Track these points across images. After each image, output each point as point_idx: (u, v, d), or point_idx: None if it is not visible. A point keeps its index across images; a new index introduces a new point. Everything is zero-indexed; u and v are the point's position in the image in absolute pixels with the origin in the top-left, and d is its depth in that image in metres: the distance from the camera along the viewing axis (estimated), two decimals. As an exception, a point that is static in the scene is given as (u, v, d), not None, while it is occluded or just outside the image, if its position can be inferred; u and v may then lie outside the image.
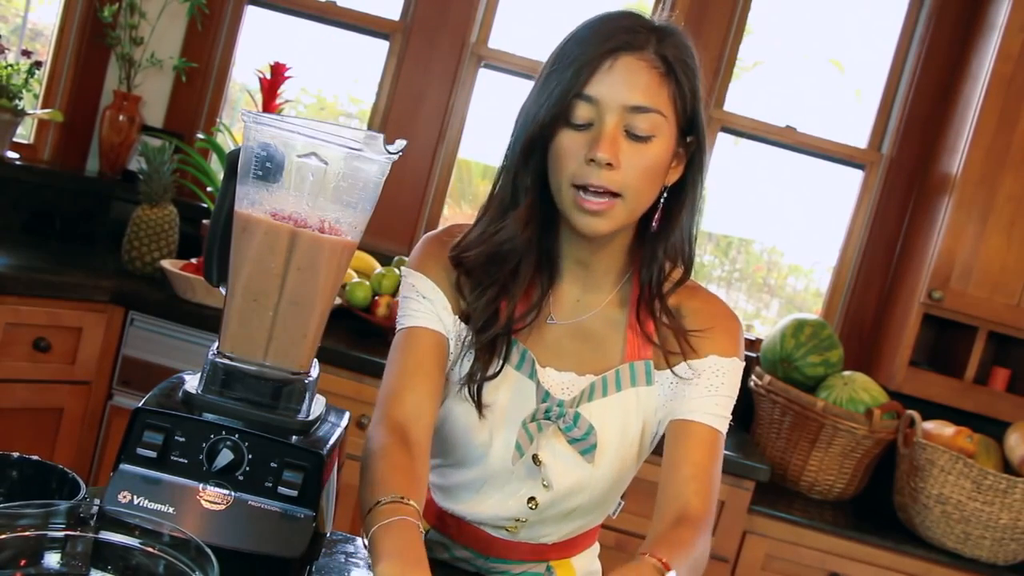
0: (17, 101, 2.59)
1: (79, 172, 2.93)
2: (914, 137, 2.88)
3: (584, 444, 1.11)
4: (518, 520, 1.17)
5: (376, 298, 2.55)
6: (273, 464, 0.86)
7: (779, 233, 3.16)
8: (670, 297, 1.13)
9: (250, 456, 0.86)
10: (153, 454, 0.86)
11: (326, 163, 0.88)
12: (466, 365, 1.13)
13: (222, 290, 0.94)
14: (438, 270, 1.14)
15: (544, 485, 1.13)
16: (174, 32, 2.94)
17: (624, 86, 1.01)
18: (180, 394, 0.90)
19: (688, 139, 1.08)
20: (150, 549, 0.69)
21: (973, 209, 2.52)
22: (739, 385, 1.14)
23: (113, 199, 2.88)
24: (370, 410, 2.30)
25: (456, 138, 2.97)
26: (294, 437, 0.89)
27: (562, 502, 1.15)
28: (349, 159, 0.89)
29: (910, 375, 2.59)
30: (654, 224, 1.12)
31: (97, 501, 0.72)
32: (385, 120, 2.95)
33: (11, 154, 2.69)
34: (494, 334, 1.10)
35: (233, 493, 0.86)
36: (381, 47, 3.00)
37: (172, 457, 0.86)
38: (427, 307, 1.13)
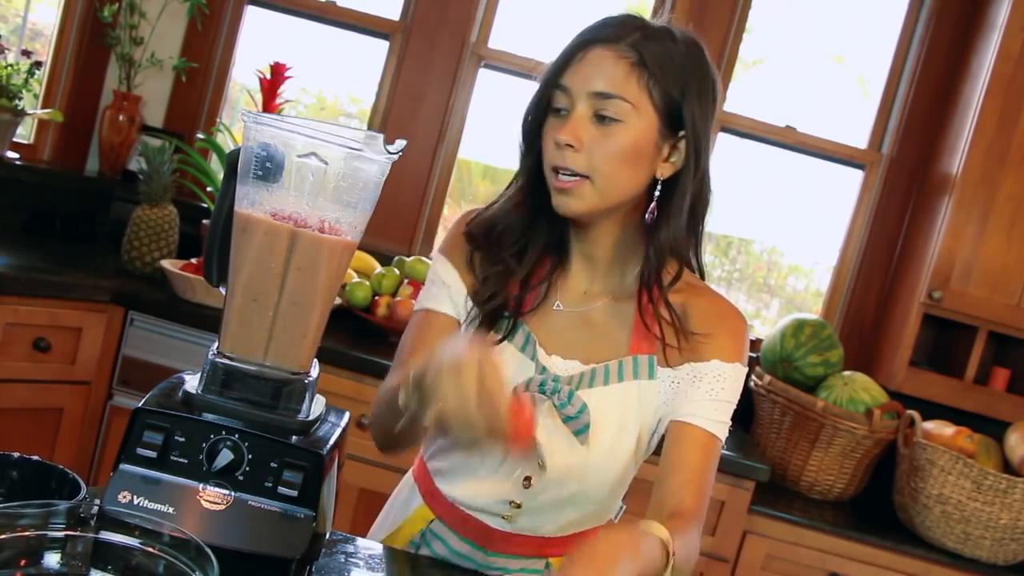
0: (17, 101, 2.58)
1: (79, 172, 2.94)
2: (914, 137, 2.88)
3: (577, 423, 1.12)
4: (513, 503, 1.17)
5: (376, 298, 2.55)
6: (273, 464, 0.86)
7: (779, 233, 3.16)
8: (675, 294, 1.15)
9: (250, 456, 0.86)
10: (153, 454, 0.86)
11: (326, 163, 0.88)
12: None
13: (222, 290, 0.94)
14: (458, 252, 1.21)
15: (540, 465, 1.15)
16: (174, 32, 2.94)
17: (592, 74, 1.08)
18: (180, 394, 0.90)
19: (680, 134, 1.11)
20: (150, 549, 0.69)
21: (973, 209, 2.52)
22: (741, 390, 1.16)
23: (113, 199, 2.88)
24: (370, 410, 2.30)
25: (456, 138, 2.97)
26: (294, 437, 0.89)
27: (557, 486, 1.16)
28: (349, 159, 0.89)
29: (910, 375, 2.59)
30: (647, 217, 1.15)
31: (97, 501, 0.72)
32: (385, 120, 2.95)
33: (11, 154, 2.69)
34: (496, 305, 1.16)
35: (233, 493, 0.86)
36: (381, 47, 3.00)
37: (172, 457, 0.86)
38: (444, 292, 1.20)
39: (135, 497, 0.84)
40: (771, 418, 2.55)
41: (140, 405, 0.88)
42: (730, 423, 1.15)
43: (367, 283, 2.56)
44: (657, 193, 1.13)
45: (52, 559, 0.70)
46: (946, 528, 2.31)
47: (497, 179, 3.16)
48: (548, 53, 1.15)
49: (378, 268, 2.66)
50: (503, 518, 1.19)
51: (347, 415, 1.01)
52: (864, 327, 2.91)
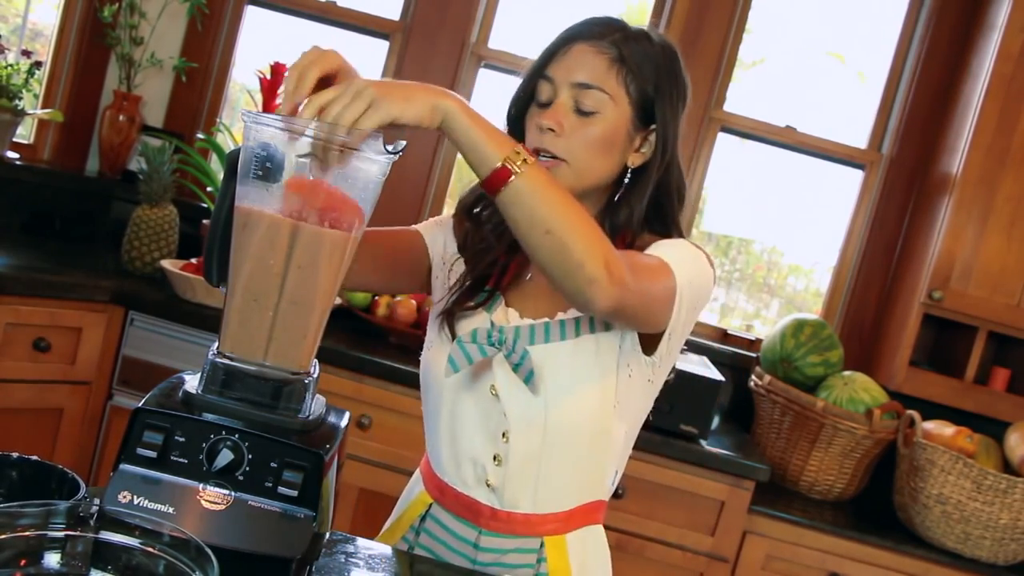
0: (17, 101, 2.59)
1: (79, 172, 2.93)
2: (914, 137, 2.88)
3: (523, 371, 1.17)
4: (497, 458, 1.20)
5: (376, 298, 2.55)
6: (273, 464, 0.86)
7: (779, 233, 3.15)
8: None
9: (250, 456, 0.86)
10: (153, 454, 0.86)
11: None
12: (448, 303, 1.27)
13: (222, 290, 0.94)
14: (457, 221, 1.33)
15: (503, 415, 1.20)
16: (174, 32, 2.94)
17: (574, 67, 1.17)
18: (180, 394, 0.90)
19: (651, 127, 1.20)
20: (150, 549, 0.69)
21: (973, 209, 2.52)
22: (693, 256, 1.18)
23: (113, 199, 2.88)
24: (370, 410, 2.30)
25: (456, 138, 2.96)
26: (294, 437, 0.89)
27: (525, 439, 1.19)
28: (349, 159, 0.89)
29: (910, 375, 2.59)
30: (616, 200, 1.24)
31: (97, 501, 0.72)
32: (385, 120, 2.95)
33: (11, 154, 2.69)
34: (479, 275, 1.26)
35: (233, 493, 0.86)
36: (381, 47, 3.00)
37: (172, 457, 0.86)
38: (435, 226, 1.33)
39: (135, 497, 0.84)
40: (771, 418, 2.55)
41: (140, 405, 0.88)
42: (683, 263, 1.15)
43: (367, 283, 2.56)
44: (627, 180, 1.23)
45: (52, 559, 0.70)
46: (946, 528, 2.31)
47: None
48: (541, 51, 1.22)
49: (378, 268, 2.66)
50: (488, 486, 1.22)
51: (347, 415, 1.01)
52: (864, 327, 2.91)
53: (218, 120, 2.96)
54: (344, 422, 0.98)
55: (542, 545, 1.22)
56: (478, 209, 1.28)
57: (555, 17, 3.01)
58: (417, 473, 1.36)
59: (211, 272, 0.98)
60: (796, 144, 2.96)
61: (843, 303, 2.94)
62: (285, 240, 0.89)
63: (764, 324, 3.12)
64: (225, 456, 0.86)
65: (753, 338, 2.90)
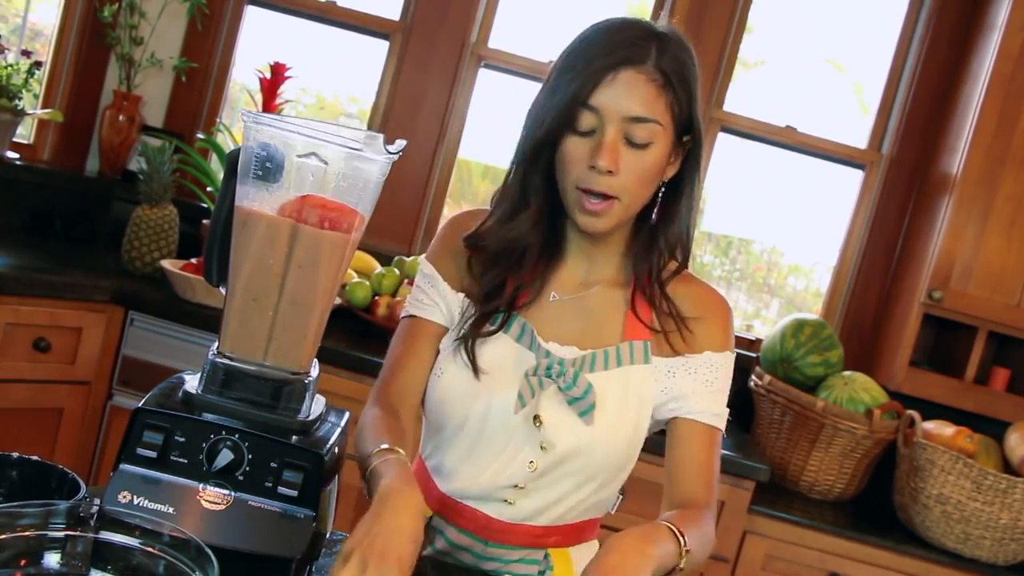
0: (17, 101, 2.59)
1: (79, 172, 2.93)
2: (914, 137, 2.88)
3: (583, 404, 1.15)
4: (517, 487, 1.18)
5: (376, 298, 2.55)
6: (273, 464, 0.86)
7: (779, 233, 3.16)
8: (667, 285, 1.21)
9: (250, 456, 0.86)
10: (153, 454, 0.86)
11: (326, 163, 0.88)
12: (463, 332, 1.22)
13: (222, 290, 0.94)
14: (448, 257, 1.25)
15: (543, 448, 1.17)
16: (174, 32, 2.94)
17: (625, 98, 1.09)
18: (180, 394, 0.90)
19: (685, 138, 1.17)
20: (150, 549, 0.69)
21: (973, 209, 2.52)
22: (732, 375, 1.23)
23: (113, 199, 2.88)
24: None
25: (456, 138, 2.97)
26: (294, 437, 0.89)
27: (560, 465, 1.18)
28: (349, 159, 0.89)
29: (910, 375, 2.59)
30: (654, 216, 1.20)
31: (97, 501, 0.72)
32: (385, 120, 2.95)
33: (11, 154, 2.69)
34: (495, 306, 1.19)
35: (233, 493, 0.86)
36: (381, 47, 3.00)
37: (172, 457, 0.86)
38: (432, 299, 1.24)
39: (135, 497, 0.84)
40: (771, 418, 2.55)
41: (140, 405, 0.88)
42: (727, 410, 1.22)
43: (367, 283, 2.56)
44: (661, 194, 1.18)
45: (52, 559, 0.70)
46: (946, 528, 2.31)
47: (497, 179, 3.14)
48: (548, 53, 1.16)
49: (378, 268, 2.66)
50: (505, 502, 1.20)
51: (347, 415, 1.01)
52: (864, 327, 2.91)
53: (218, 120, 2.96)
54: (344, 422, 0.98)
55: (547, 556, 1.22)
56: (513, 248, 1.21)
57: (555, 17, 3.01)
58: None
59: (211, 272, 0.98)
60: (796, 144, 2.96)
61: (843, 303, 2.94)
62: (285, 240, 0.89)
63: (764, 324, 3.12)
64: (225, 456, 0.86)
65: (753, 338, 2.90)
